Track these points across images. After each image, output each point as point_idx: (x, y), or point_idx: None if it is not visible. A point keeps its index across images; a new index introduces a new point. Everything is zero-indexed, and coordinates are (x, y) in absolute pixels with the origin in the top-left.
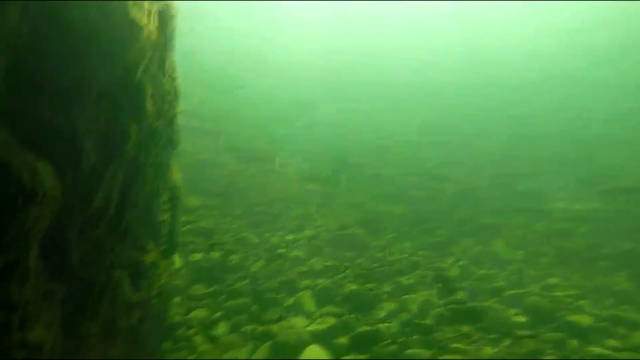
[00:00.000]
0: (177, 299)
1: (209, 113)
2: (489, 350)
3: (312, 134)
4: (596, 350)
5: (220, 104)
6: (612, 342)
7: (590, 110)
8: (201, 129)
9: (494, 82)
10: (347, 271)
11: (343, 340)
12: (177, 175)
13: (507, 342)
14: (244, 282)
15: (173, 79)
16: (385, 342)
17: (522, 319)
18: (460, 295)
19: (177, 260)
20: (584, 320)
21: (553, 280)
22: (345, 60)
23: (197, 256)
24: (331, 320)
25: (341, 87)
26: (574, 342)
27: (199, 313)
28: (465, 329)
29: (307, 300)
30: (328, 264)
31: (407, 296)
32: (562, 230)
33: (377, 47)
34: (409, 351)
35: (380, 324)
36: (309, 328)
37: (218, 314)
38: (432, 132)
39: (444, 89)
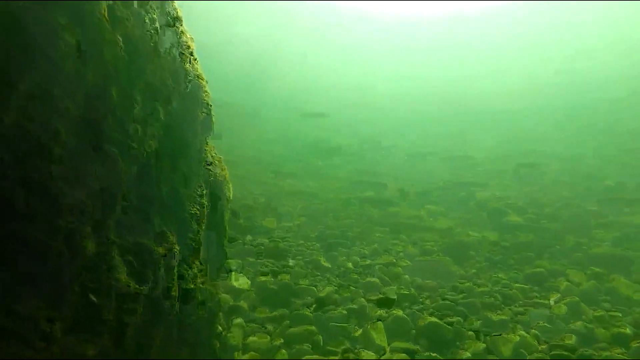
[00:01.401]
0: (237, 320)
1: None
2: None
3: None
4: None
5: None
6: None
7: None
8: None
9: None
10: (426, 301)
11: None
12: (222, 171)
13: None
14: (311, 308)
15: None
16: None
17: None
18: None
19: (244, 282)
20: None
21: None
22: None
23: (265, 278)
24: (404, 356)
25: None
26: None
27: (259, 338)
28: None
29: (378, 332)
30: (405, 292)
31: (498, 335)
32: None
33: None
34: None
35: None
36: None
37: (279, 341)
38: None
39: None
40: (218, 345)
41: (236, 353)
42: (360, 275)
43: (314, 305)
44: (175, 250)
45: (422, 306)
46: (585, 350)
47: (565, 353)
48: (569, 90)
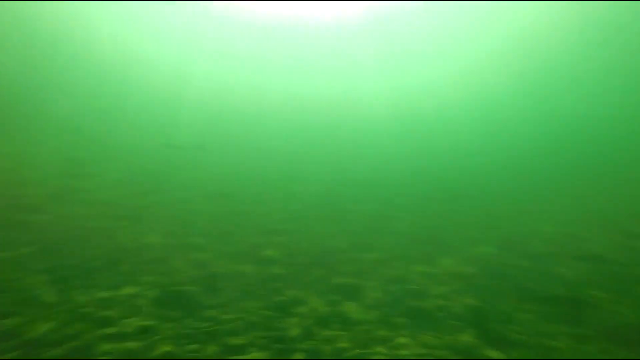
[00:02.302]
0: None
1: None
2: None
3: None
4: None
5: None
6: None
7: None
8: None
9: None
10: (168, 332)
11: None
12: None
13: None
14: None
15: None
16: None
17: None
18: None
19: None
20: None
21: (402, 340)
22: None
23: None
24: None
25: None
26: None
27: None
28: None
29: None
30: (145, 324)
31: (235, 358)
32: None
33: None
34: None
35: None
36: None
37: None
38: None
39: None
40: None
41: None
42: (95, 309)
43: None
44: None
45: (159, 337)
46: None
47: None
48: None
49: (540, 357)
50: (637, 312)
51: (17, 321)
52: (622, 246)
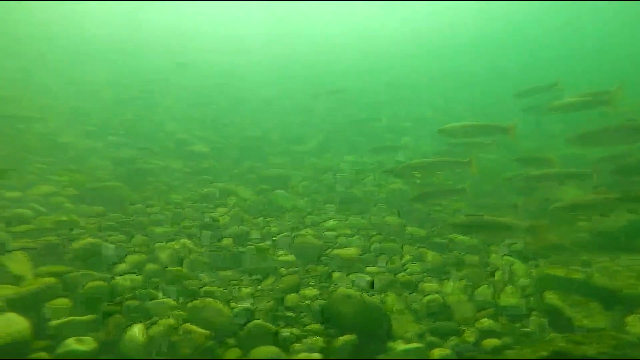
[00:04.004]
0: None
1: None
2: (247, 290)
3: None
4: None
5: None
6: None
7: None
8: None
9: None
10: (90, 226)
11: (63, 301)
12: None
13: (269, 280)
14: None
15: None
16: (120, 297)
17: (289, 257)
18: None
19: None
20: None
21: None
22: None
23: None
24: (52, 280)
25: None
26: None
27: None
28: (225, 273)
29: (18, 261)
30: (63, 219)
31: (159, 244)
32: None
33: None
34: (151, 302)
35: (119, 277)
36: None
37: None
38: None
39: None
40: None
41: None
42: (3, 209)
43: None
44: None
45: (82, 230)
46: (237, 248)
47: (220, 252)
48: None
49: None
50: None
51: None
52: None
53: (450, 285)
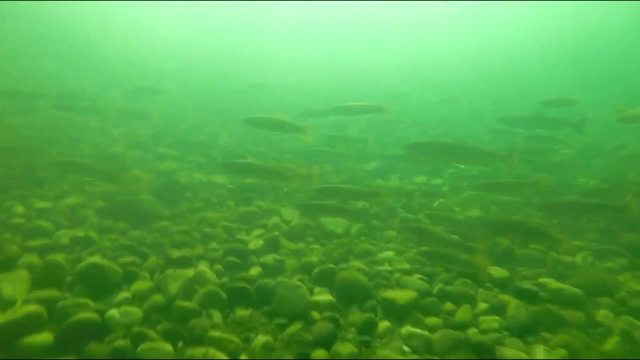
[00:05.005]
0: None
1: None
2: (264, 339)
3: None
4: None
5: None
6: None
7: None
8: None
9: None
10: (106, 244)
11: (44, 337)
12: None
13: (295, 326)
14: None
15: None
16: (111, 335)
17: (327, 297)
18: None
19: None
20: None
21: None
22: None
23: None
24: (37, 309)
25: None
26: None
27: None
28: (243, 312)
29: (15, 282)
30: (79, 234)
31: (172, 271)
32: None
33: None
34: (144, 346)
35: (115, 310)
36: None
37: None
38: None
39: None
40: None
41: None
42: (27, 219)
43: None
44: None
45: (95, 248)
46: (265, 280)
47: (242, 285)
48: None
49: None
50: None
51: None
52: None
53: (540, 353)
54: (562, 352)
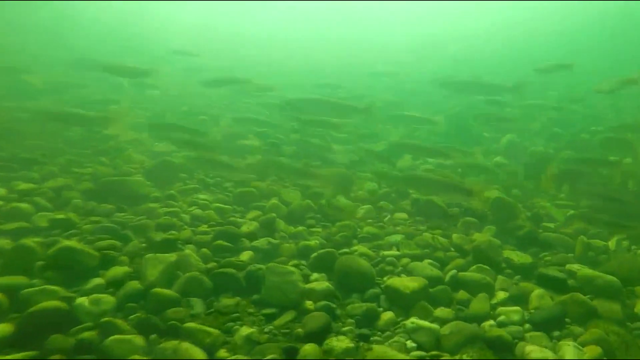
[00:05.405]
0: None
1: None
2: (248, 330)
3: None
4: None
5: None
6: None
7: None
8: None
9: None
10: (86, 226)
11: (3, 327)
12: None
13: (285, 317)
14: None
15: None
16: (78, 326)
17: (324, 285)
18: None
19: None
20: None
21: None
22: None
23: None
24: None
25: None
26: None
27: None
28: (228, 301)
29: None
30: (60, 217)
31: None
32: None
33: None
34: (112, 339)
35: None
36: None
37: None
38: None
39: None
40: None
41: None
42: (7, 202)
43: None
44: None
45: (74, 232)
46: (255, 265)
47: (230, 271)
48: None
49: None
50: None
51: None
52: None
53: (570, 351)
54: (597, 350)
